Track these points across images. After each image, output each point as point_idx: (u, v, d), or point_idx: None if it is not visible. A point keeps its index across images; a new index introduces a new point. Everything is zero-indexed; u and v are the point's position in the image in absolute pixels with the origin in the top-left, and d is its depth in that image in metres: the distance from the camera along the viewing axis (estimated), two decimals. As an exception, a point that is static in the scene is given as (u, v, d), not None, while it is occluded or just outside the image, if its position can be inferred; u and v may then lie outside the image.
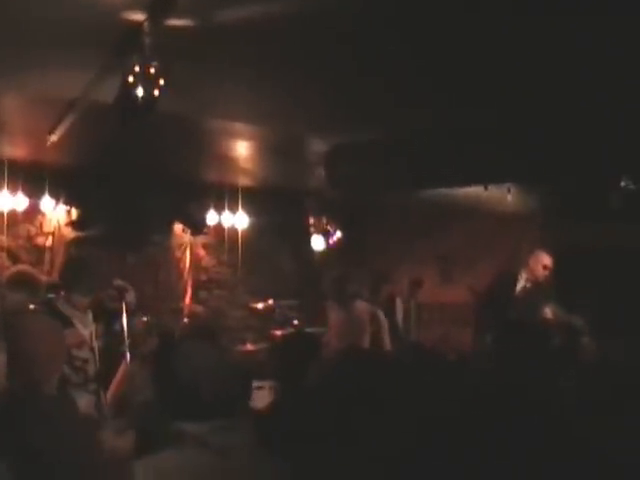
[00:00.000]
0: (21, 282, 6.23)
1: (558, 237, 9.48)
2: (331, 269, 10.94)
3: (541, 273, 7.99)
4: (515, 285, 8.08)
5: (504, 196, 8.66)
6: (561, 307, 7.71)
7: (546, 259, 8.05)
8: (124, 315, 5.88)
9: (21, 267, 7.23)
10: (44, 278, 7.58)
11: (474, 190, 8.29)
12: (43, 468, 2.91)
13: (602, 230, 9.23)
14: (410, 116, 6.97)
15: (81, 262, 6.25)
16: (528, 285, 8.06)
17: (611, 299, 8.60)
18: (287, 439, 3.11)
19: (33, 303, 6.17)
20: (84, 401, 5.03)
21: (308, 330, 9.35)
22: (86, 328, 5.88)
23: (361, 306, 8.07)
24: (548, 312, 7.75)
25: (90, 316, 5.94)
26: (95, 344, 5.81)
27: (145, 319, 6.46)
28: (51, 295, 6.96)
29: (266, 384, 6.06)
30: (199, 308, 9.81)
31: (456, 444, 2.78)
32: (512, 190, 8.60)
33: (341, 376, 2.72)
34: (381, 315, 8.07)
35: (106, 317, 6.05)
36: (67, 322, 5.75)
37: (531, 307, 7.76)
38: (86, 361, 5.75)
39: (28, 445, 3.04)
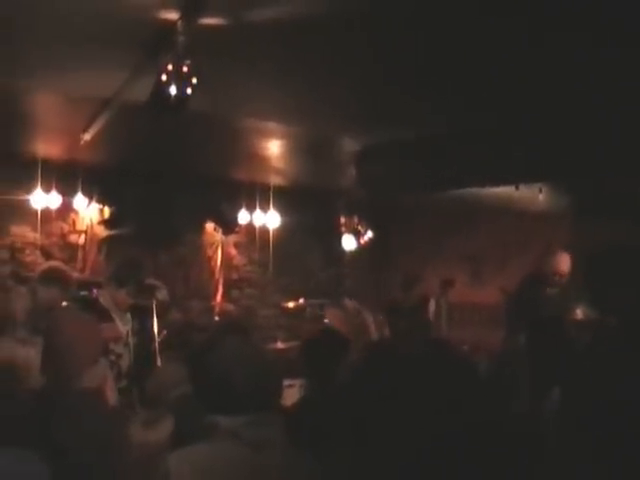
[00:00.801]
0: (53, 278, 6.33)
1: (590, 236, 9.41)
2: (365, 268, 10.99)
3: (561, 273, 7.96)
4: (544, 286, 8.03)
5: (535, 196, 8.61)
6: (592, 308, 7.66)
7: (564, 259, 8.02)
8: (154, 313, 5.96)
9: (53, 263, 7.32)
10: (75, 275, 7.68)
11: (505, 190, 8.25)
12: (72, 462, 2.94)
13: (634, 229, 9.15)
14: (441, 116, 6.96)
15: (134, 261, 6.36)
16: (555, 286, 8.03)
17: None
18: (316, 436, 3.13)
19: (75, 298, 6.28)
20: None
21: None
22: (125, 325, 5.96)
23: (349, 305, 8.00)
24: (579, 313, 7.70)
25: (129, 315, 6.02)
26: (131, 341, 5.89)
27: (164, 333, 6.53)
28: (83, 292, 7.05)
29: (296, 382, 6.09)
30: (230, 306, 9.87)
31: (484, 444, 2.77)
32: (543, 190, 8.55)
33: (369, 373, 2.72)
34: (366, 313, 8.02)
35: (141, 315, 6.14)
36: (107, 316, 5.87)
37: (561, 308, 7.72)
38: (120, 356, 5.84)
39: (57, 439, 3.07)
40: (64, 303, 6.23)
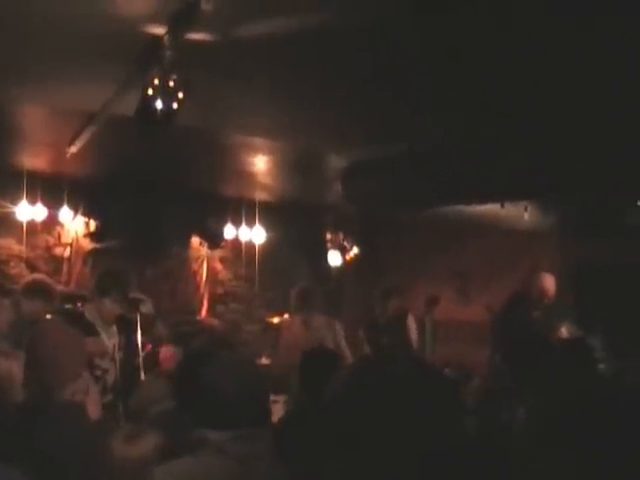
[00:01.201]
0: (36, 291, 6.31)
1: (575, 255, 9.45)
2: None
3: (547, 295, 8.01)
4: (529, 305, 8.06)
5: (521, 214, 8.64)
6: (577, 326, 7.69)
7: (549, 281, 8.06)
8: (138, 327, 5.93)
9: (37, 276, 7.30)
10: (60, 288, 7.64)
11: (491, 208, 8.28)
12: (55, 475, 2.92)
13: (620, 248, 9.18)
14: (427, 133, 6.98)
15: (116, 271, 6.33)
16: (541, 307, 8.08)
17: (629, 318, 8.54)
18: (303, 451, 3.12)
19: (59, 311, 6.25)
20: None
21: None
22: (110, 339, 5.93)
23: (319, 319, 7.94)
24: (564, 332, 7.73)
25: (115, 328, 5.99)
26: (117, 356, 5.85)
27: (149, 347, 6.50)
28: (68, 305, 7.02)
29: (280, 398, 6.07)
30: (215, 321, 9.84)
31: (469, 461, 2.77)
32: (529, 208, 8.58)
33: (353, 389, 2.71)
34: (337, 325, 7.99)
35: (127, 328, 6.10)
36: (92, 330, 5.83)
37: (546, 327, 7.74)
38: (106, 371, 5.80)
39: (39, 452, 3.05)
40: (48, 316, 6.20)
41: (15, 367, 3.78)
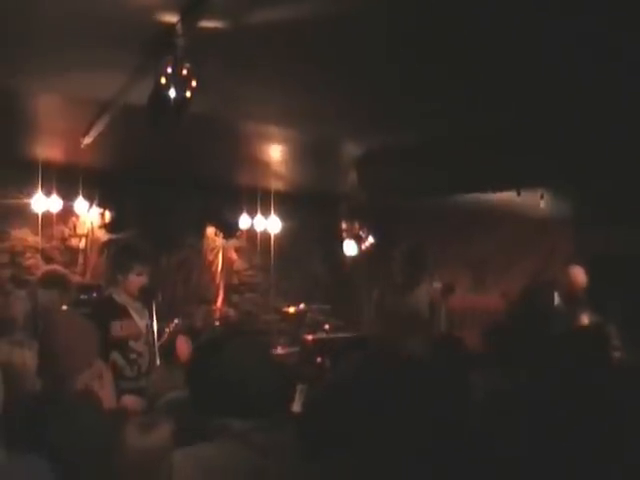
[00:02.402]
0: (53, 281, 6.35)
1: (592, 243, 9.39)
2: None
3: (577, 289, 7.94)
4: (552, 299, 8.02)
5: (537, 202, 8.58)
6: (595, 315, 7.64)
7: (580, 275, 8.00)
8: (154, 316, 5.92)
9: (53, 267, 7.33)
10: (76, 278, 7.67)
11: (507, 195, 8.23)
12: (68, 464, 2.92)
13: (636, 236, 9.11)
14: (443, 120, 6.93)
15: (132, 245, 6.36)
16: (565, 300, 8.02)
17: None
18: (320, 440, 3.10)
19: (83, 300, 6.29)
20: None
21: (341, 335, 9.37)
22: (142, 319, 5.92)
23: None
24: (584, 319, 7.67)
25: (146, 309, 5.98)
26: (151, 337, 5.83)
27: (177, 321, 6.47)
28: (83, 296, 7.04)
29: (299, 387, 6.06)
30: (231, 311, 9.85)
31: (486, 447, 2.76)
32: (545, 196, 8.52)
33: (370, 377, 2.70)
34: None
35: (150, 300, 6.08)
36: (125, 313, 5.82)
37: (568, 319, 7.70)
38: (141, 354, 5.79)
39: (52, 442, 3.06)
40: (64, 307, 6.22)
41: (29, 357, 3.82)
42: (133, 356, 5.71)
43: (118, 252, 6.34)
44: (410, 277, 7.58)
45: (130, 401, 4.81)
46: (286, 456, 2.93)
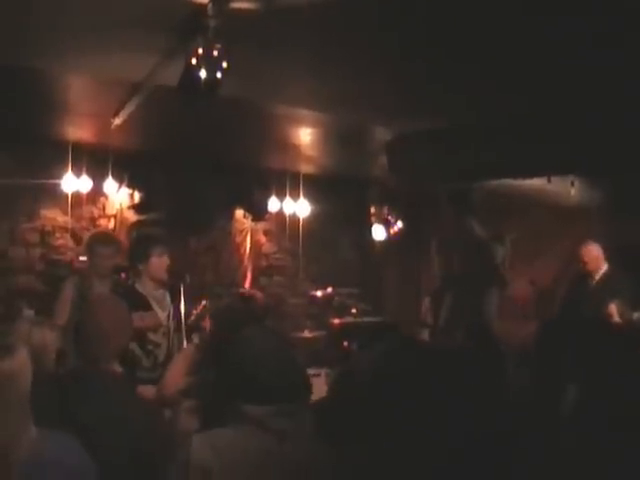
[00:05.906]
0: (108, 239, 6.72)
1: (623, 231, 9.28)
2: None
3: (589, 264, 7.96)
4: (580, 283, 8.00)
5: (567, 189, 8.52)
6: (628, 304, 7.58)
7: (593, 250, 8.00)
8: (182, 300, 5.92)
9: (103, 228, 7.65)
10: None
11: (537, 182, 8.17)
12: (95, 443, 2.92)
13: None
14: (474, 105, 6.88)
15: (149, 234, 6.40)
16: (590, 281, 8.01)
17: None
18: (342, 427, 3.09)
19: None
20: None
21: (368, 319, 9.34)
22: (164, 310, 5.94)
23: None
24: (613, 309, 7.61)
25: (168, 298, 6.00)
26: (171, 328, 5.86)
27: (204, 303, 6.47)
28: (115, 276, 7.10)
29: (322, 371, 6.05)
30: (259, 294, 9.85)
31: (515, 439, 2.72)
32: (575, 183, 8.45)
33: (393, 365, 2.67)
34: None
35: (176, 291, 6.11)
36: (145, 304, 5.84)
37: (595, 305, 7.66)
38: (158, 345, 5.82)
39: (81, 420, 3.08)
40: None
41: (48, 336, 3.88)
42: (150, 347, 5.74)
43: (134, 243, 6.38)
44: None
45: (146, 391, 4.82)
46: (304, 442, 2.93)
